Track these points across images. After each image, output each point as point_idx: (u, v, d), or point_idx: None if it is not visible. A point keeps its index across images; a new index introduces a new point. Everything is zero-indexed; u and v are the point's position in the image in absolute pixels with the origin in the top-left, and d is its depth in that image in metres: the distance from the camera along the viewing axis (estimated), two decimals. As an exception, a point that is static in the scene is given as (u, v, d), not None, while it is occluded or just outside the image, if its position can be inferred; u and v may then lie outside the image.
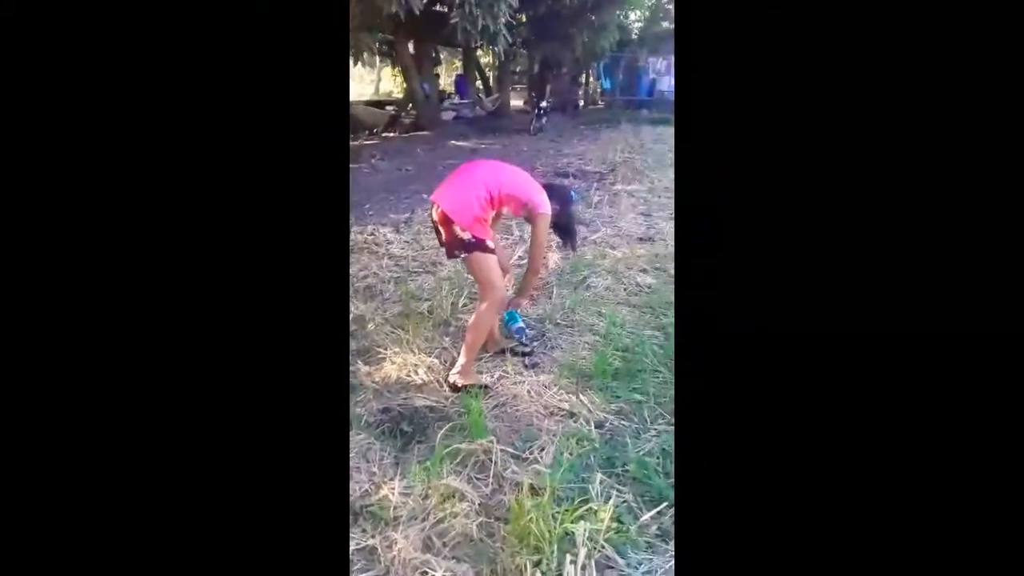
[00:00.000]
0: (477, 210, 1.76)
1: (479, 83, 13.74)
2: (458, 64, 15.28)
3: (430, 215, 1.88)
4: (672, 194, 4.79)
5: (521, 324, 2.19)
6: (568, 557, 1.19)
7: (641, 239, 3.61)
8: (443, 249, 1.91)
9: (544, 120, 9.46)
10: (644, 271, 3.04)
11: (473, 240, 1.77)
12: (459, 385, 1.86)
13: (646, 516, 1.34)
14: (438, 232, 1.87)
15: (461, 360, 1.88)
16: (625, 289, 2.81)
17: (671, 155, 6.87)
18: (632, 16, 13.20)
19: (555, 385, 1.91)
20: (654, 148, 7.41)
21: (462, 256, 1.82)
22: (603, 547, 1.24)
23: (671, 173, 5.76)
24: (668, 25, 13.08)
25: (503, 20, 6.09)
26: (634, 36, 13.01)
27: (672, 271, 3.00)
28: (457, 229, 1.76)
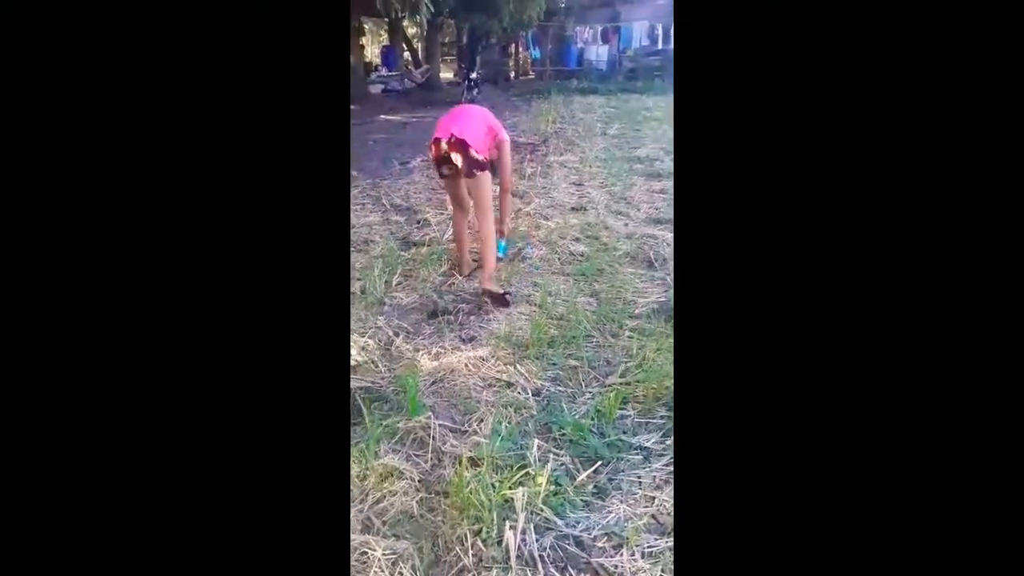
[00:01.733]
0: (484, 138, 2.31)
1: (407, 55, 13.24)
2: (384, 35, 14.63)
3: (436, 149, 2.28)
4: (603, 161, 4.87)
5: (506, 249, 2.75)
6: (508, 523, 1.21)
7: (574, 209, 3.65)
8: (441, 180, 2.44)
9: (475, 92, 9.29)
10: (577, 240, 3.08)
11: (484, 160, 2.28)
12: (491, 291, 2.27)
13: (583, 476, 1.38)
14: (446, 162, 2.28)
15: (486, 270, 2.34)
16: (559, 258, 2.84)
17: (600, 125, 6.95)
18: (559, -16, 13.09)
19: (492, 357, 1.92)
20: (584, 118, 7.46)
21: (477, 174, 2.27)
22: (542, 510, 1.27)
23: (601, 142, 5.83)
24: (594, -6, 13.09)
25: (425, -12, 5.86)
26: (561, 5, 12.91)
27: (604, 239, 3.07)
28: (473, 152, 2.23)
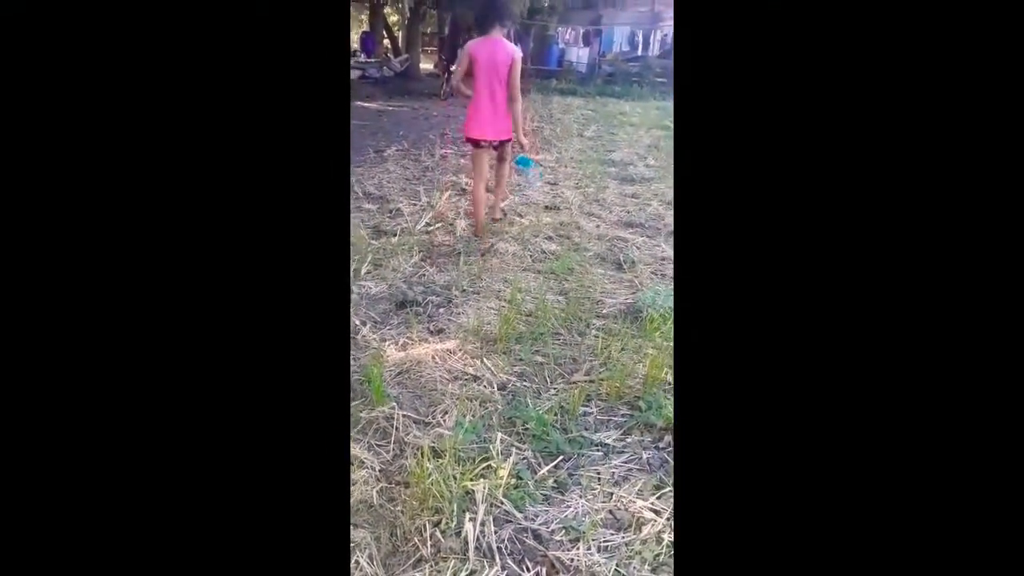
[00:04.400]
0: (505, 120, 2.91)
1: (387, 43, 13.03)
2: (364, 20, 14.35)
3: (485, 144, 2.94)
4: (578, 162, 4.91)
5: (533, 164, 3.57)
6: (467, 515, 1.22)
7: (548, 207, 3.67)
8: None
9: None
10: (549, 238, 3.10)
11: (510, 137, 2.98)
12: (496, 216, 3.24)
13: (543, 470, 1.40)
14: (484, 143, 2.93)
15: (498, 200, 3.30)
16: (531, 256, 2.85)
17: (577, 126, 7.00)
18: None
19: (460, 350, 1.91)
20: (562, 119, 7.51)
21: (506, 144, 3.04)
22: (502, 503, 1.28)
23: (578, 144, 5.88)
24: (577, -5, 13.17)
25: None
26: (545, 4, 12.94)
27: (576, 239, 3.10)
28: (506, 141, 3.00)
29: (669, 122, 7.26)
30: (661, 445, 1.53)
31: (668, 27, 12.69)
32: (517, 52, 2.86)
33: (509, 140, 2.98)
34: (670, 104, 9.27)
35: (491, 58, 2.78)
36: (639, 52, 13.03)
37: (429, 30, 15.17)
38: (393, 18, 13.78)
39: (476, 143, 2.95)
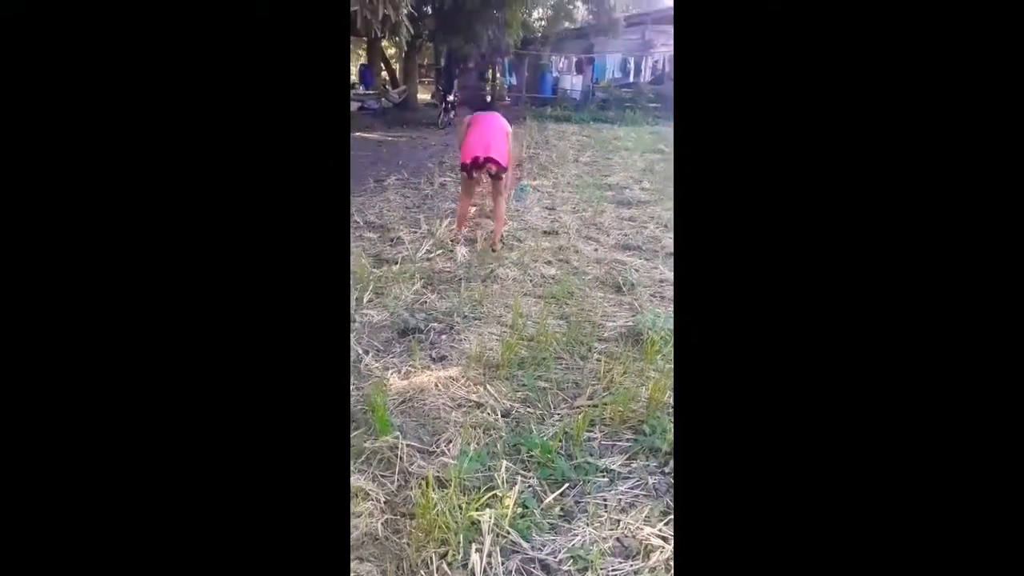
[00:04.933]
0: (503, 144, 3.23)
1: (385, 74, 13.32)
2: (362, 54, 14.71)
3: (474, 161, 3.14)
4: (575, 187, 4.97)
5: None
6: (474, 546, 1.21)
7: (546, 232, 3.71)
8: (470, 178, 3.26)
9: (452, 114, 9.38)
10: (549, 263, 3.13)
11: (506, 166, 3.26)
12: (495, 247, 3.33)
13: (549, 498, 1.39)
14: (480, 168, 3.17)
15: (497, 234, 3.40)
16: (531, 281, 2.87)
17: (573, 152, 7.11)
18: (536, 14, 13.46)
19: (463, 377, 1.91)
20: (558, 145, 7.62)
21: (503, 176, 3.28)
22: (508, 532, 1.26)
23: (574, 169, 5.96)
24: (570, 25, 13.49)
25: (405, 11, 5.94)
26: (538, 35, 13.28)
27: (575, 263, 3.12)
28: (502, 164, 3.20)
29: (663, 146, 7.39)
30: (667, 470, 1.52)
31: (659, 53, 12.99)
32: (509, 126, 3.35)
33: (504, 169, 3.23)
34: (663, 128, 9.46)
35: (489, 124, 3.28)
36: (631, 79, 13.30)
37: (426, 61, 15.52)
38: (391, 51, 14.12)
39: (471, 168, 3.18)
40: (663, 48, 12.81)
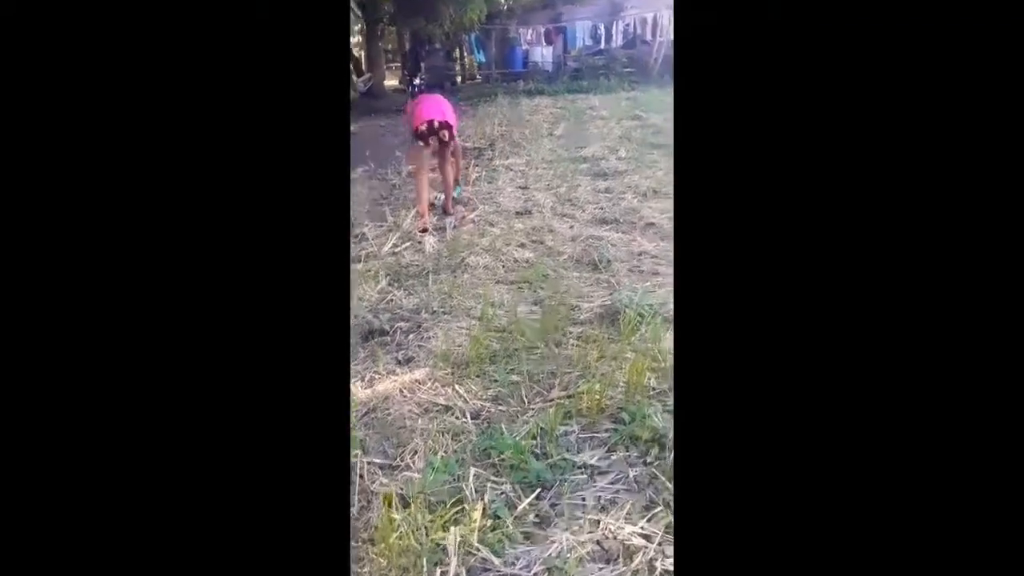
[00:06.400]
0: (454, 118, 3.34)
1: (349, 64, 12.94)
2: (323, 44, 14.23)
3: (428, 126, 3.19)
4: (549, 162, 4.82)
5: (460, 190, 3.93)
6: (439, 569, 1.11)
7: (519, 213, 3.57)
8: (425, 147, 3.28)
9: (420, 98, 9.12)
10: (522, 246, 3.00)
11: (454, 136, 3.38)
12: (449, 208, 3.52)
13: (523, 504, 1.29)
14: (433, 134, 3.21)
15: (448, 200, 3.52)
16: (503, 266, 2.75)
17: (547, 126, 6.93)
18: (499, -13, 13.05)
19: (430, 379, 1.81)
20: (531, 120, 7.43)
21: (454, 143, 3.43)
22: (478, 549, 1.17)
23: (548, 144, 5.80)
24: (535, -5, 13.14)
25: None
26: (503, 7, 12.90)
27: (550, 243, 3.00)
28: (455, 131, 3.34)
29: (639, 112, 7.20)
30: (648, 459, 1.43)
31: (630, 16, 12.64)
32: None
33: (453, 138, 3.36)
34: (639, 94, 9.23)
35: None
36: (602, 45, 12.98)
37: (390, 46, 15.11)
38: (353, 39, 13.71)
39: (425, 134, 3.23)
40: (633, 11, 12.47)
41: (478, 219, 3.49)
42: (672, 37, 11.34)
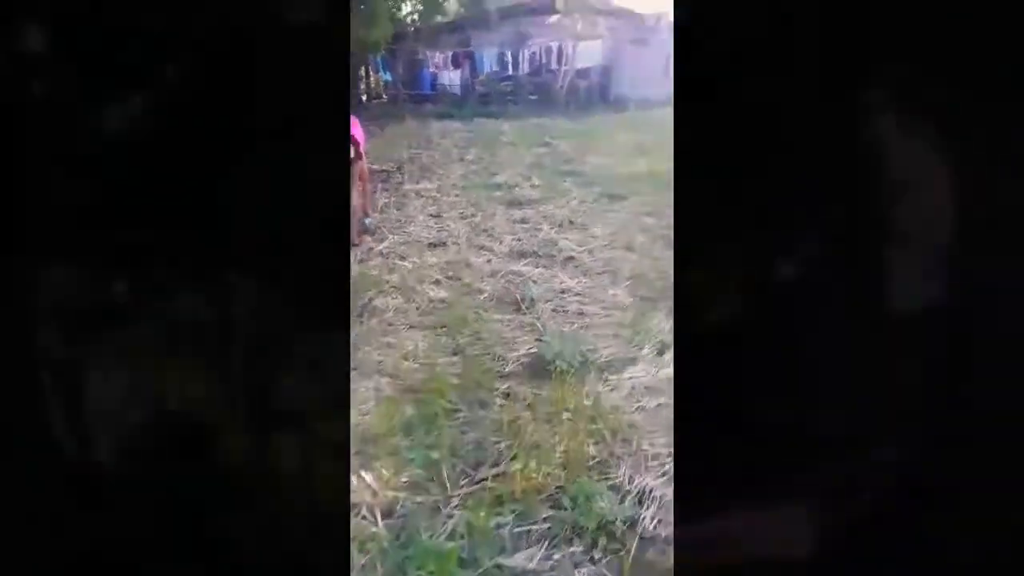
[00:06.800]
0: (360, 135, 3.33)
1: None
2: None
3: None
4: (462, 188, 4.61)
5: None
6: None
7: (432, 244, 3.31)
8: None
9: (322, 116, 8.59)
10: (437, 283, 2.73)
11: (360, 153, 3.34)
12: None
13: (451, 642, 1.01)
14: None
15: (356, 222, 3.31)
16: (417, 308, 2.46)
17: (457, 150, 6.74)
18: (406, 9, 12.82)
19: (329, 463, 1.47)
20: (441, 143, 7.22)
21: (360, 163, 3.36)
22: None
23: (459, 168, 5.60)
24: (443, 18, 13.06)
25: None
26: (410, 29, 12.67)
27: (467, 279, 2.76)
28: (362, 148, 3.36)
29: (548, 138, 7.24)
30: (596, 555, 1.21)
31: (536, 45, 12.92)
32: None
33: (360, 154, 3.33)
34: (547, 120, 9.36)
35: None
36: (510, 71, 13.17)
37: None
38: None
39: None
40: (540, 40, 12.79)
41: (387, 251, 3.17)
42: (577, 67, 11.77)
